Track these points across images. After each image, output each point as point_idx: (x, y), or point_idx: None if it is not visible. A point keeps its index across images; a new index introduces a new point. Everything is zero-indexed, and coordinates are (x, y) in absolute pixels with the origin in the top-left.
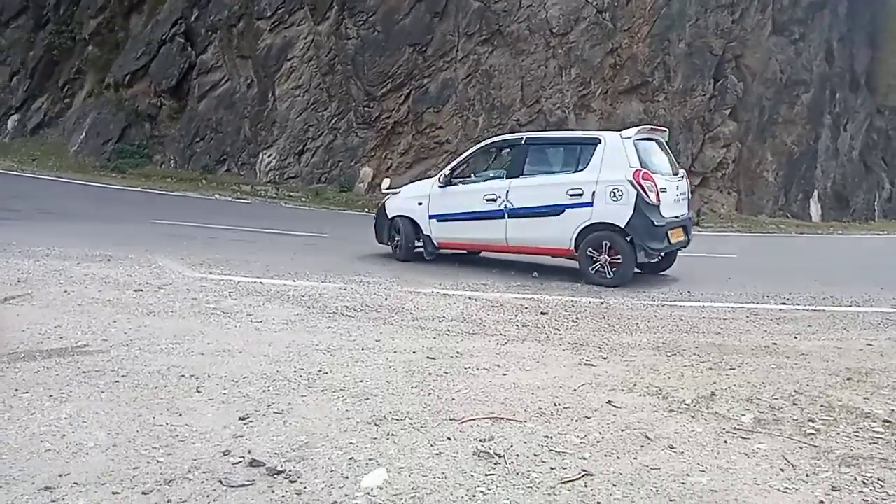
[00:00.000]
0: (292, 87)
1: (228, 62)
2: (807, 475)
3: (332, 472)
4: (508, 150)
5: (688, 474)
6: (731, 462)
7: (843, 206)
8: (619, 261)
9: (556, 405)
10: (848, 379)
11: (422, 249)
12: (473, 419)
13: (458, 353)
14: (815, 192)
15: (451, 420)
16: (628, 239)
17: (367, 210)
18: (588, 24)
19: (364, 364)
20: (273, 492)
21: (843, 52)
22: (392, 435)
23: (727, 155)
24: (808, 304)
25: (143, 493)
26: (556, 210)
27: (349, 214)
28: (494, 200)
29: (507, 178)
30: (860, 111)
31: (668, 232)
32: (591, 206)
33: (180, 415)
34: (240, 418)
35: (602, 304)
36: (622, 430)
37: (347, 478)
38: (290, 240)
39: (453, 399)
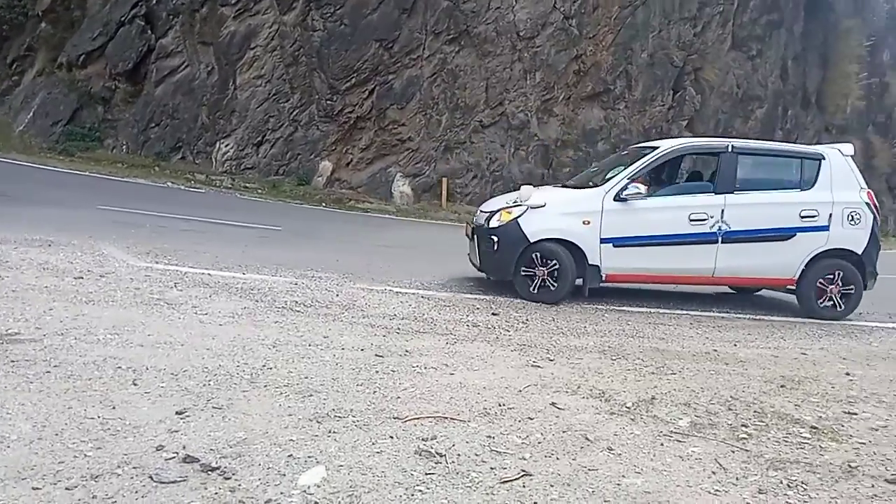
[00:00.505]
0: (254, 76)
1: (189, 48)
2: (737, 478)
3: (269, 469)
4: (709, 158)
5: (624, 476)
6: (665, 464)
7: None
8: (851, 291)
9: (500, 405)
10: (781, 386)
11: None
12: (417, 418)
13: (406, 351)
14: None
15: (394, 419)
16: (859, 267)
17: (324, 204)
18: (555, 29)
19: (310, 360)
20: (206, 488)
21: (797, 70)
22: (333, 432)
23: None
24: (749, 313)
25: (67, 489)
26: (786, 234)
27: (306, 208)
28: (704, 221)
29: (717, 193)
30: (810, 128)
31: None
32: (828, 230)
33: (114, 408)
34: (176, 413)
35: (552, 307)
36: (563, 432)
37: (284, 475)
38: (242, 232)
39: (398, 398)
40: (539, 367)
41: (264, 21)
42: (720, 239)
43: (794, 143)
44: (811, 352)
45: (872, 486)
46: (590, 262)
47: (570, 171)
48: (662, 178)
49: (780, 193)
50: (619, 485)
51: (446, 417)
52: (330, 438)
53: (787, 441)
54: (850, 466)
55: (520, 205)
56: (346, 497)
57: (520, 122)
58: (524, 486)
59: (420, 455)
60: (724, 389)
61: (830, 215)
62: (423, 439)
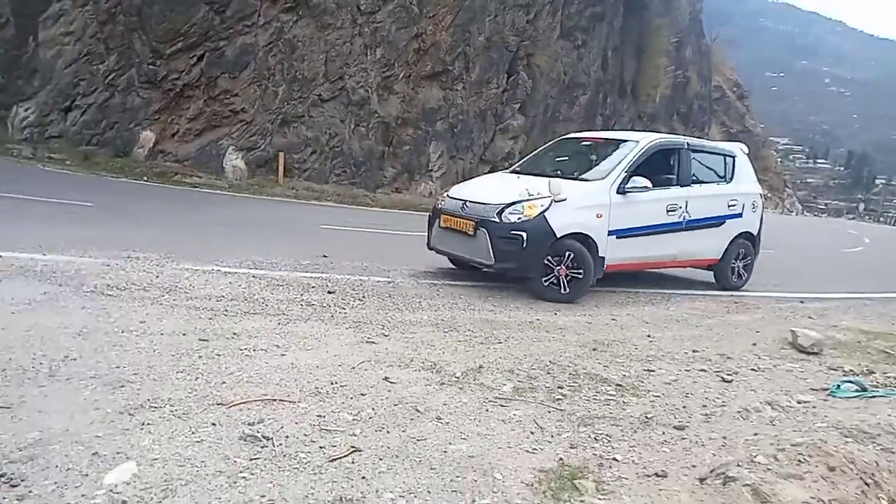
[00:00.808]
0: (61, 32)
1: None
2: (552, 436)
3: (68, 470)
4: (669, 153)
5: (450, 443)
6: (490, 429)
7: None
8: (749, 262)
9: (333, 384)
10: (593, 349)
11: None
12: (244, 402)
13: (234, 334)
14: None
15: (218, 405)
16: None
17: (146, 178)
18: (395, 6)
19: (123, 348)
20: None
21: (616, 61)
22: (148, 424)
23: (515, 147)
24: None
25: None
26: (720, 221)
27: (124, 183)
28: (675, 211)
29: (681, 186)
30: (625, 115)
31: None
32: (741, 217)
33: None
34: None
35: (389, 283)
36: (395, 405)
37: (87, 475)
38: (46, 208)
39: (224, 383)
40: (374, 342)
41: None
42: (684, 227)
43: (612, 128)
44: (620, 318)
45: (663, 433)
46: (599, 255)
47: (410, 150)
48: (640, 171)
49: (716, 186)
50: (445, 452)
51: (275, 400)
52: (143, 431)
53: (595, 399)
54: (646, 417)
55: (542, 197)
56: (159, 492)
57: (360, 98)
58: (353, 462)
59: (245, 440)
60: (545, 355)
61: (744, 205)
62: (249, 424)
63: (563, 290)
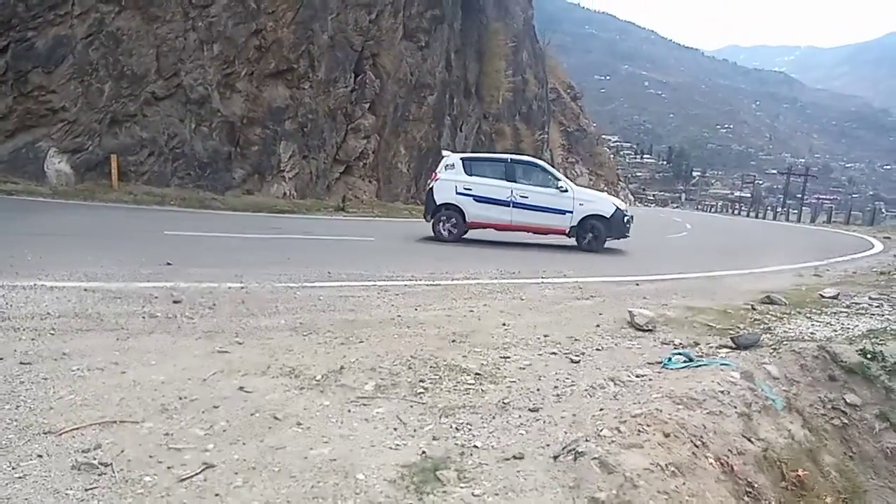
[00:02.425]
0: None
1: None
2: (414, 430)
3: None
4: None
5: (311, 448)
6: (352, 429)
7: None
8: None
9: (181, 399)
10: (453, 341)
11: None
12: (76, 428)
13: (63, 354)
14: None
15: (45, 433)
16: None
17: None
18: (230, 0)
19: None
20: None
21: (459, 63)
22: None
23: (367, 146)
24: (428, 279)
25: None
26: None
27: None
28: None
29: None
30: (472, 115)
31: None
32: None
33: None
34: None
35: (242, 288)
36: (251, 415)
37: None
38: None
39: (52, 409)
40: (227, 352)
41: None
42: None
43: (461, 129)
44: (477, 309)
45: (520, 416)
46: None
47: (259, 150)
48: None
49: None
50: (306, 458)
51: (115, 422)
52: None
53: (456, 389)
54: (504, 403)
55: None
56: None
57: (199, 96)
58: (205, 480)
59: (79, 470)
60: (406, 350)
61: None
62: (83, 451)
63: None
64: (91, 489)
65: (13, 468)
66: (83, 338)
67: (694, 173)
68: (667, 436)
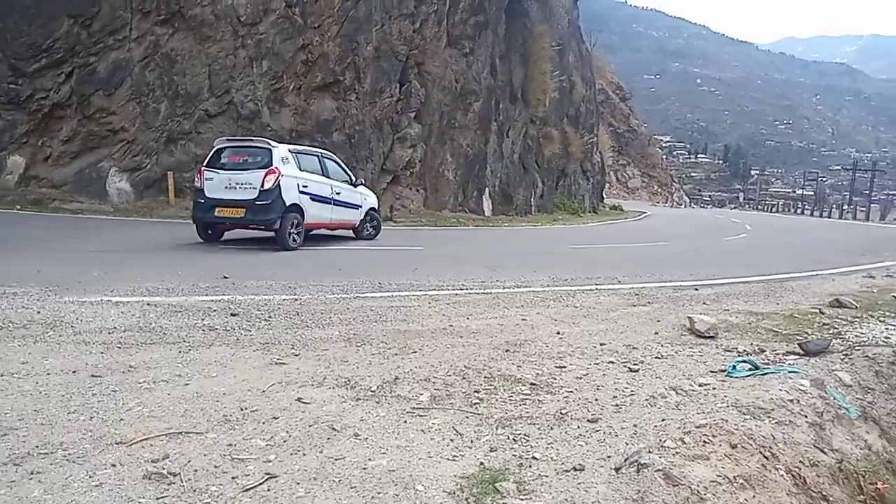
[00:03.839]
0: None
1: None
2: (471, 441)
3: None
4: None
5: (370, 459)
6: (409, 440)
7: (509, 201)
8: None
9: (242, 410)
10: (506, 351)
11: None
12: (146, 438)
13: (130, 367)
14: (487, 190)
15: (117, 444)
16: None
17: (18, 207)
18: (277, 16)
19: (4, 393)
20: None
21: (504, 68)
22: (38, 473)
23: (414, 155)
24: (479, 288)
25: None
26: (357, 205)
27: None
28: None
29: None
30: (518, 120)
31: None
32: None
33: None
34: None
35: (296, 300)
36: (310, 426)
37: None
38: None
39: (122, 420)
40: (284, 363)
41: None
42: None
43: (507, 134)
44: (529, 317)
45: (578, 427)
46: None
47: None
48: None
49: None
50: (365, 469)
51: (181, 432)
52: (33, 481)
53: (512, 400)
54: (561, 413)
55: None
56: None
57: (250, 112)
58: (269, 490)
59: (150, 479)
60: (459, 360)
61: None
62: (152, 461)
63: None
64: (161, 498)
65: (90, 476)
66: (148, 351)
67: (752, 172)
68: (734, 447)
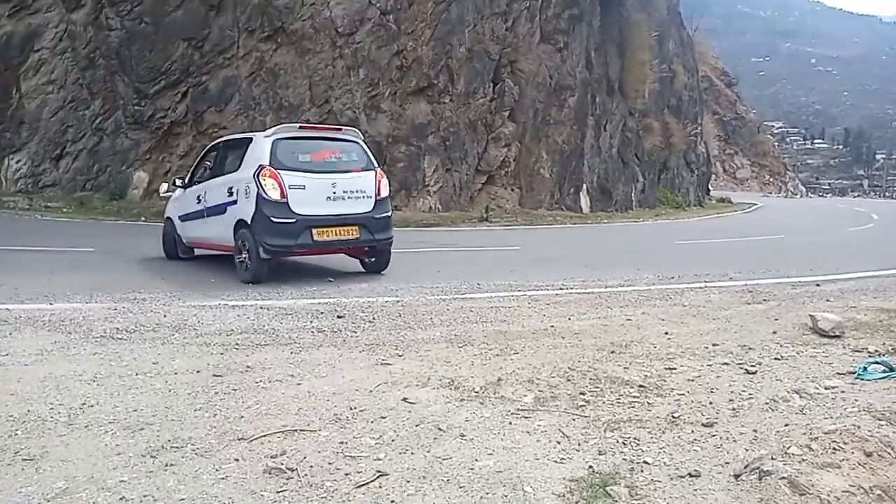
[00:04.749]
0: (43, 82)
1: None
2: (579, 444)
3: None
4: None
5: (476, 459)
6: (514, 441)
7: (607, 198)
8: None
9: (351, 409)
10: (612, 352)
11: None
12: (264, 435)
13: (248, 367)
14: (584, 186)
15: (239, 440)
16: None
17: (143, 219)
18: (373, 25)
19: (139, 391)
20: None
21: (600, 60)
22: (171, 465)
23: (508, 154)
24: (580, 287)
25: None
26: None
27: (122, 225)
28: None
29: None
30: (616, 113)
31: (311, 229)
32: (236, 204)
33: None
34: None
35: (398, 302)
36: (417, 426)
37: None
38: (47, 257)
39: (242, 417)
40: (389, 364)
41: (48, 20)
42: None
43: (604, 128)
44: (635, 317)
45: (692, 431)
46: None
47: (404, 166)
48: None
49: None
50: (472, 469)
51: (295, 430)
52: (168, 472)
53: (619, 402)
54: (673, 417)
55: None
56: None
57: (348, 120)
58: (380, 487)
59: (270, 473)
60: (563, 362)
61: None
62: (271, 457)
63: None
64: (282, 491)
65: (216, 470)
66: (262, 352)
67: (877, 157)
68: (868, 455)
